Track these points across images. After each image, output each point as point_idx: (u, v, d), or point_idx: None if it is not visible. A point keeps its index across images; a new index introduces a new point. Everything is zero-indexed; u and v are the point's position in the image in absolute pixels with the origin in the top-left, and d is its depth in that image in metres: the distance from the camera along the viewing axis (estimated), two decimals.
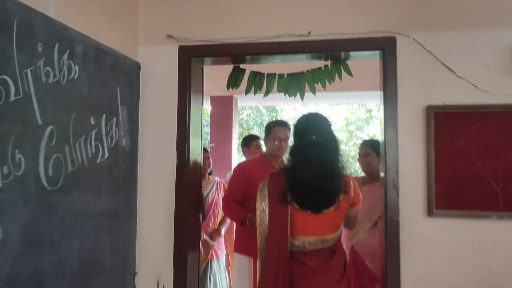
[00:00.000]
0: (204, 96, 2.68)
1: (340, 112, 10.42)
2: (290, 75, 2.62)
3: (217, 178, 3.66)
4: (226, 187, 3.71)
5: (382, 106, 2.27)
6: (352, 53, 2.39)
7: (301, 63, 2.63)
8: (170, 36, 2.44)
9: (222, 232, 3.60)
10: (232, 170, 3.39)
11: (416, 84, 2.20)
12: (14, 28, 1.49)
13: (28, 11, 1.56)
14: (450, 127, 2.13)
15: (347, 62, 2.53)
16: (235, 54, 2.41)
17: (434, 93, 2.17)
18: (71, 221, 1.79)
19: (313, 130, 1.93)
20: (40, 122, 1.60)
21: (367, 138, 9.47)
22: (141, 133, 2.43)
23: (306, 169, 1.87)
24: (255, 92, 2.63)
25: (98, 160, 2.00)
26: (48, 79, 1.66)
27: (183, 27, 2.44)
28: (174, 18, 2.47)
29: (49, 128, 1.65)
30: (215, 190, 3.62)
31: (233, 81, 2.64)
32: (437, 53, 2.17)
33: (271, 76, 2.63)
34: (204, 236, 3.34)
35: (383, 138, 2.23)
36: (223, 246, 3.67)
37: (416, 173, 2.16)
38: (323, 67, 2.56)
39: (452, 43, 2.17)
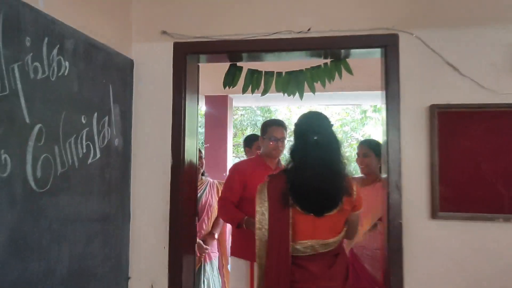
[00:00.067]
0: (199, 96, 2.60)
1: (335, 113, 10.38)
2: (289, 74, 2.55)
3: (210, 179, 3.59)
4: (219, 187, 3.65)
5: (384, 106, 2.21)
6: (353, 51, 2.32)
7: (300, 61, 2.56)
8: (164, 32, 2.35)
9: (216, 235, 3.54)
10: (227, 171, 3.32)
11: (419, 83, 2.14)
12: (0, 21, 1.40)
13: (16, 3, 1.48)
14: (454, 127, 2.07)
15: (347, 60, 2.47)
16: (232, 51, 2.33)
17: (437, 92, 2.11)
18: (60, 225, 1.70)
19: (315, 130, 1.85)
20: (27, 121, 1.52)
21: (362, 139, 9.45)
22: (135, 132, 2.34)
23: (309, 170, 1.79)
24: (252, 91, 2.56)
25: (89, 161, 1.92)
26: (36, 75, 1.57)
27: (178, 23, 2.35)
28: (169, 13, 2.38)
29: (37, 127, 1.57)
30: (208, 191, 3.55)
31: (230, 79, 2.56)
32: (440, 51, 2.11)
33: (269, 74, 2.56)
34: (198, 240, 3.26)
35: (385, 138, 2.17)
36: (216, 248, 3.61)
37: (420, 174, 2.10)
38: (322, 65, 2.50)
39: (456, 41, 2.11)
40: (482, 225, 2.02)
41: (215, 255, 3.60)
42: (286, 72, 2.56)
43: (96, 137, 1.97)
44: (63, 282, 1.70)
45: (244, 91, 2.56)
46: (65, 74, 1.74)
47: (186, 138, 2.32)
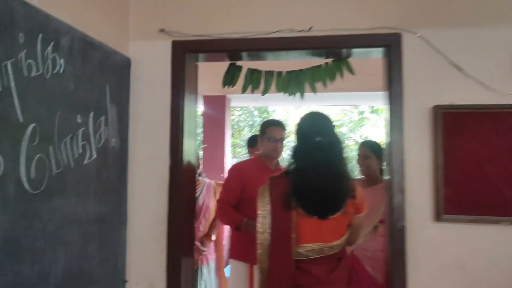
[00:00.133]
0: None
1: (332, 114, 10.37)
2: (289, 73, 2.50)
3: (206, 180, 3.54)
4: (216, 188, 3.60)
5: (386, 106, 2.17)
6: (354, 50, 2.28)
7: (300, 61, 2.52)
8: (162, 31, 2.30)
9: (213, 237, 3.50)
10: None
11: (422, 83, 2.10)
12: None
13: None
14: (458, 128, 2.03)
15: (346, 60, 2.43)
16: (232, 50, 2.29)
17: (441, 92, 2.07)
18: (55, 228, 1.64)
19: (318, 130, 1.81)
20: (21, 120, 1.46)
21: (359, 140, 9.42)
22: (132, 132, 2.28)
23: (312, 172, 1.75)
24: (252, 91, 2.51)
25: (85, 161, 1.86)
26: (30, 72, 1.52)
27: (176, 21, 2.30)
28: (167, 11, 2.33)
29: (31, 126, 1.51)
30: (205, 192, 3.50)
31: (229, 78, 2.51)
32: (444, 51, 2.07)
33: (269, 74, 2.51)
34: (195, 243, 3.21)
35: (388, 139, 2.13)
36: (213, 250, 3.56)
37: (423, 176, 2.06)
38: (323, 65, 2.45)
39: (460, 41, 2.07)
40: (487, 228, 1.98)
41: (212, 257, 3.56)
42: (287, 72, 2.51)
43: (92, 137, 1.92)
44: (58, 285, 1.64)
45: (243, 90, 2.51)
46: (60, 72, 1.69)
47: (185, 139, 2.27)
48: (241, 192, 2.79)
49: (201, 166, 3.52)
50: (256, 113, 10.67)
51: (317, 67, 2.47)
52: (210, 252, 3.51)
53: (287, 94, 2.51)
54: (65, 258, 1.70)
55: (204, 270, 3.46)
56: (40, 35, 1.57)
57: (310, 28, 2.17)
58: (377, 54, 2.26)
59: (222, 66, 2.57)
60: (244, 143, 10.61)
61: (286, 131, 2.97)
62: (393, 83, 2.12)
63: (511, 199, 1.96)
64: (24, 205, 1.48)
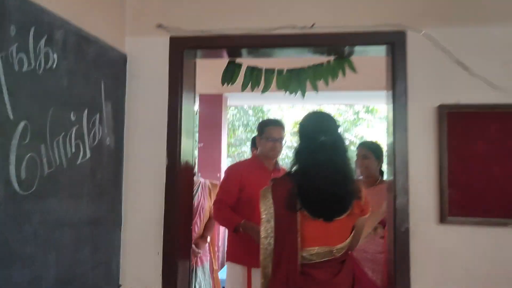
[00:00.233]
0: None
1: None
2: (290, 71, 2.44)
3: (201, 179, 3.48)
4: (211, 188, 3.55)
5: (390, 106, 2.12)
6: (357, 48, 2.22)
7: (301, 59, 2.46)
8: (160, 26, 2.22)
9: (208, 239, 3.44)
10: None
11: (427, 82, 2.05)
12: None
13: None
14: (464, 128, 1.98)
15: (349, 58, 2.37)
16: (232, 46, 2.22)
17: (447, 91, 2.02)
18: (47, 231, 1.57)
19: (322, 130, 1.75)
20: (11, 117, 1.38)
21: (355, 139, 9.40)
22: (127, 131, 2.21)
23: (318, 173, 1.69)
24: (252, 89, 2.44)
25: (79, 161, 1.78)
26: (21, 67, 1.44)
27: (174, 16, 2.23)
28: (165, 6, 2.25)
29: (22, 123, 1.43)
30: (200, 192, 3.44)
31: (229, 76, 2.44)
32: (450, 49, 2.02)
33: (269, 71, 2.44)
34: None
35: (391, 139, 2.08)
36: (207, 251, 3.51)
37: (428, 177, 2.01)
38: (325, 63, 2.39)
39: (466, 39, 2.02)
40: (494, 231, 1.93)
41: (206, 258, 3.50)
42: (288, 70, 2.45)
43: (86, 136, 1.84)
44: None
45: (243, 88, 2.44)
46: (53, 67, 1.61)
47: (183, 138, 2.20)
48: (239, 192, 2.73)
49: (196, 166, 3.45)
50: (250, 112, 10.61)
51: (319, 65, 2.41)
52: (205, 253, 3.45)
53: (287, 93, 2.45)
54: (57, 262, 1.63)
55: (199, 272, 3.40)
56: (33, 28, 1.49)
57: (313, 25, 2.11)
58: (379, 52, 2.21)
59: (219, 63, 2.50)
60: (238, 142, 10.57)
61: (285, 131, 2.93)
62: (397, 82, 2.06)
63: None
64: (14, 207, 1.40)
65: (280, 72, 2.45)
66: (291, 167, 1.81)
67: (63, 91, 1.68)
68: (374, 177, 2.97)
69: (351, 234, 1.82)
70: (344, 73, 2.35)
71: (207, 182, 3.58)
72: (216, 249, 3.82)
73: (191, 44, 2.21)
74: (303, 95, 2.41)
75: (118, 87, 2.14)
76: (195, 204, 3.28)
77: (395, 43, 2.07)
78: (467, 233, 1.96)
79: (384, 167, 3.10)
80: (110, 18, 2.15)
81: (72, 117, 1.74)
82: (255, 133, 3.16)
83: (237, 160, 9.10)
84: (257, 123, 9.59)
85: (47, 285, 1.56)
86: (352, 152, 3.04)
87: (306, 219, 1.72)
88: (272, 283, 1.70)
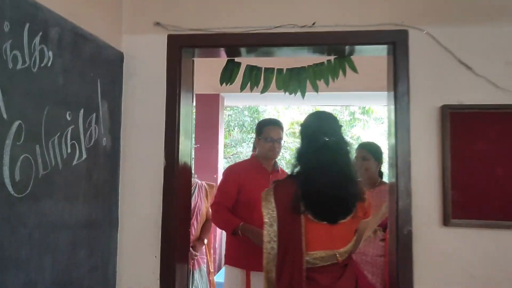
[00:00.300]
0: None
1: None
2: (290, 70, 2.40)
3: (198, 181, 3.43)
4: (208, 190, 3.50)
5: (391, 107, 2.08)
6: (358, 47, 2.19)
7: (301, 58, 2.42)
8: (158, 24, 2.18)
9: (205, 241, 3.40)
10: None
11: (429, 82, 2.02)
12: None
13: None
14: (467, 129, 1.95)
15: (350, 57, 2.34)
16: (231, 45, 2.17)
17: (449, 92, 1.99)
18: (42, 234, 1.52)
19: (325, 130, 1.72)
20: (5, 116, 1.33)
21: (351, 141, 9.38)
22: (124, 131, 2.16)
23: (321, 174, 1.65)
24: (251, 89, 2.40)
25: (75, 162, 1.74)
26: (15, 65, 1.39)
27: (172, 14, 2.18)
28: (162, 3, 2.20)
29: (16, 123, 1.38)
30: (197, 193, 3.40)
31: (228, 75, 2.40)
32: (453, 49, 2.00)
33: (269, 71, 2.40)
34: None
35: (393, 140, 2.04)
36: (204, 253, 3.46)
37: (431, 179, 1.97)
38: (325, 62, 2.36)
39: (469, 38, 2.00)
40: (498, 233, 1.90)
41: (204, 261, 3.46)
42: (287, 69, 2.41)
43: (82, 136, 1.79)
44: None
45: (242, 88, 2.40)
46: (49, 65, 1.56)
47: (181, 138, 2.15)
48: (237, 194, 2.68)
49: (193, 167, 3.41)
50: (246, 112, 10.56)
51: (319, 64, 2.37)
52: (201, 256, 3.41)
53: (287, 93, 2.41)
54: (52, 266, 1.58)
55: (196, 275, 3.36)
56: (27, 25, 1.44)
57: (313, 24, 2.07)
58: (380, 52, 2.18)
59: (216, 63, 2.46)
60: (233, 143, 10.51)
61: (283, 131, 2.89)
62: (399, 82, 2.03)
63: None
64: (8, 209, 1.35)
65: (279, 71, 2.41)
66: (293, 169, 1.77)
67: (59, 90, 1.63)
68: (374, 179, 2.94)
69: (354, 237, 1.79)
70: (344, 73, 2.31)
71: (204, 183, 3.54)
72: (211, 251, 3.77)
73: (189, 42, 2.17)
74: (303, 95, 2.37)
75: (115, 86, 2.10)
76: (192, 206, 3.23)
77: (397, 42, 2.04)
78: (471, 236, 1.93)
79: (383, 168, 3.08)
80: (106, 15, 2.10)
81: (68, 117, 1.69)
82: (250, 134, 3.12)
83: (233, 161, 9.06)
84: (252, 124, 9.52)
85: None
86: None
87: (310, 222, 1.68)
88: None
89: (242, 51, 2.25)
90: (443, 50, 2.00)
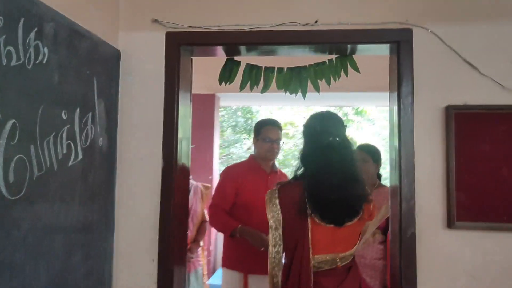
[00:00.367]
0: None
1: None
2: (291, 70, 2.35)
3: (193, 182, 3.38)
4: (203, 191, 3.46)
5: (395, 107, 2.05)
6: (360, 46, 2.15)
7: (302, 57, 2.37)
8: (156, 21, 2.12)
9: (201, 243, 3.35)
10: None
11: (434, 82, 1.98)
12: None
13: None
14: (472, 130, 1.92)
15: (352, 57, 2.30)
16: (231, 43, 2.12)
17: (454, 92, 1.96)
18: (36, 238, 1.46)
19: (330, 131, 1.67)
20: None
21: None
22: (121, 131, 2.09)
23: (327, 175, 1.60)
24: (251, 88, 2.35)
25: (70, 163, 1.67)
26: (9, 61, 1.33)
27: (171, 11, 2.12)
28: (161, 0, 2.15)
29: (10, 123, 1.32)
30: (193, 195, 3.34)
31: (227, 74, 2.34)
32: (458, 48, 1.96)
33: (269, 70, 2.35)
34: None
35: (396, 142, 2.01)
36: (200, 255, 3.42)
37: (435, 180, 1.94)
38: (327, 61, 2.32)
39: (475, 37, 1.97)
40: (503, 236, 1.88)
41: (199, 263, 3.41)
42: (288, 68, 2.36)
43: (78, 136, 1.73)
44: None
45: (242, 88, 2.34)
46: (44, 62, 1.50)
47: (179, 138, 2.09)
48: (235, 196, 2.64)
49: None
50: (239, 113, 10.50)
51: (321, 64, 2.32)
52: (197, 258, 3.36)
53: (287, 93, 2.36)
54: (47, 271, 1.52)
55: (192, 278, 3.31)
56: (22, 20, 1.38)
57: (316, 22, 2.03)
58: (382, 51, 2.14)
59: (212, 62, 2.40)
60: (227, 144, 10.45)
61: (282, 131, 2.85)
62: (402, 82, 2.00)
63: None
64: (1, 212, 1.29)
65: (280, 70, 2.36)
66: (297, 170, 1.72)
67: (54, 88, 1.57)
68: (372, 181, 2.91)
69: (358, 240, 1.75)
70: (346, 73, 2.27)
71: (199, 184, 3.49)
72: (206, 253, 3.73)
73: (188, 40, 2.11)
74: (304, 95, 2.32)
75: (111, 84, 2.03)
76: (188, 207, 3.18)
77: (401, 41, 2.01)
78: (476, 239, 1.90)
79: (382, 170, 3.06)
80: (103, 11, 2.04)
81: (64, 116, 1.63)
82: (243, 135, 3.08)
83: (226, 162, 9.00)
84: (245, 125, 9.44)
85: None
86: None
87: (315, 225, 1.64)
88: None
89: (242, 50, 2.20)
90: (447, 49, 1.97)
